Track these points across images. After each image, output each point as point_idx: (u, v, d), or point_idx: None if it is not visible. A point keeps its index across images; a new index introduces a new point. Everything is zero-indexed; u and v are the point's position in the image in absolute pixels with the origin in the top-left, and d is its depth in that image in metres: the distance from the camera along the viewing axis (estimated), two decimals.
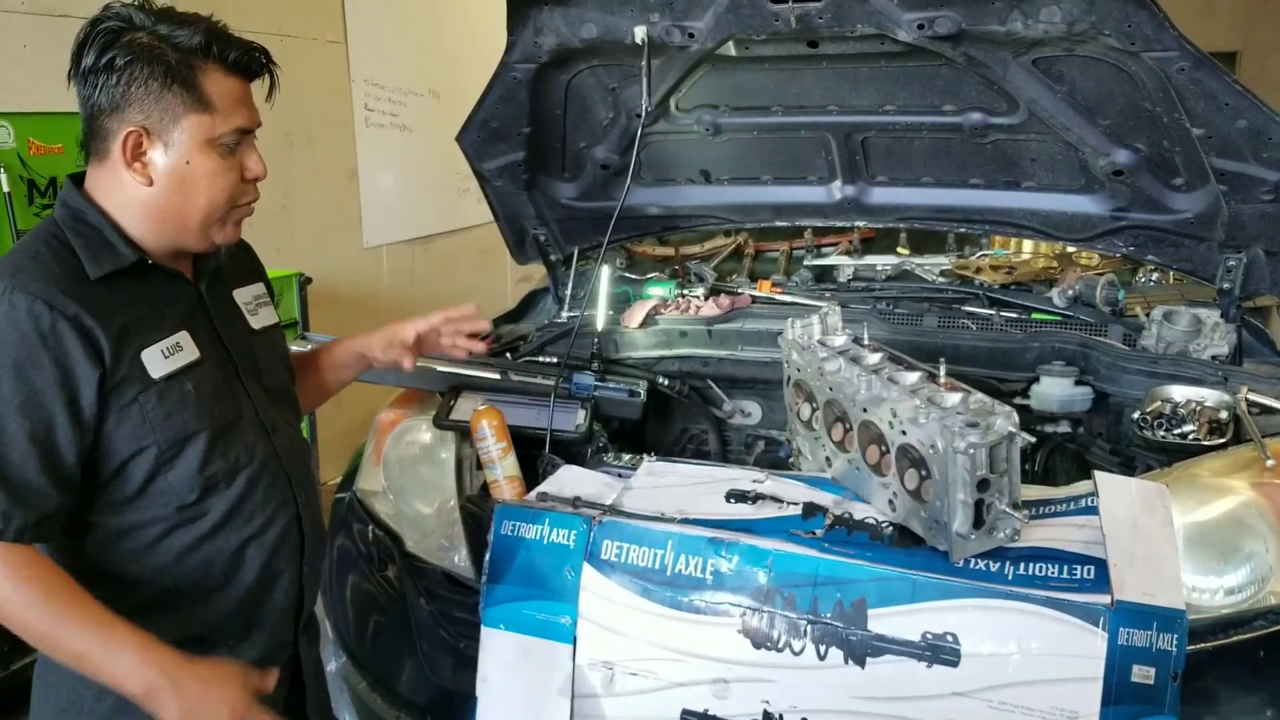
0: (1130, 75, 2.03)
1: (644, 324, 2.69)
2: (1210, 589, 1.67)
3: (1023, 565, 1.53)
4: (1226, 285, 2.28)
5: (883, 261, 3.08)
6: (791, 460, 2.13)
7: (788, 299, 2.79)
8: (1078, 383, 2.33)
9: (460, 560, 2.02)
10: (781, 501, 1.76)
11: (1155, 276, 2.93)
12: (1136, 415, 2.08)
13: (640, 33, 2.16)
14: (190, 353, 1.37)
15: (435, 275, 5.41)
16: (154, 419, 1.32)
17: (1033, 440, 2.15)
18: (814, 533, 1.67)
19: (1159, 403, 2.09)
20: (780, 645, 1.55)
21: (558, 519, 1.71)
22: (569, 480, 1.93)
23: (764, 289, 2.87)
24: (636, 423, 2.38)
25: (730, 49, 2.21)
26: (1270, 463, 1.76)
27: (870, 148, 2.50)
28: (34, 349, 1.23)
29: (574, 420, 2.20)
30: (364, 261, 4.85)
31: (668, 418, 2.67)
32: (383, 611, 2.09)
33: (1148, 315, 2.46)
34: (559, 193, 2.70)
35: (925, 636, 1.47)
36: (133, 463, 1.32)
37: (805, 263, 3.16)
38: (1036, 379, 2.36)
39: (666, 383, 2.48)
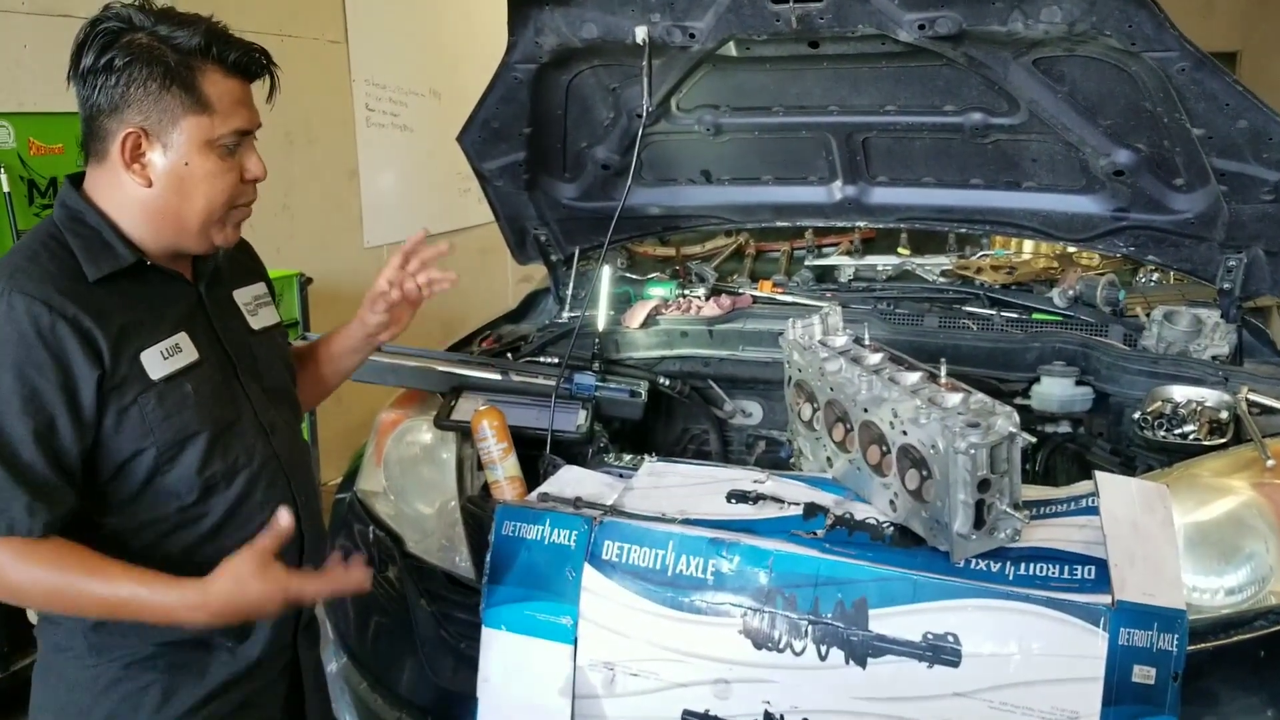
0: (1131, 75, 2.03)
1: (645, 324, 2.69)
2: (1211, 589, 1.67)
3: (1023, 565, 1.53)
4: (1227, 285, 2.28)
5: (883, 262, 3.07)
6: (792, 460, 2.13)
7: (789, 299, 2.79)
8: (1078, 383, 2.33)
9: (461, 561, 2.02)
10: (782, 502, 1.76)
11: (1156, 277, 2.93)
12: (1137, 415, 2.08)
13: (641, 33, 2.16)
14: (189, 354, 1.37)
15: None
16: (153, 420, 1.31)
17: (1033, 440, 2.16)
18: (815, 533, 1.67)
19: (1159, 403, 2.09)
20: (781, 646, 1.55)
21: (559, 519, 1.71)
22: (570, 481, 1.93)
23: (765, 289, 2.87)
24: (637, 423, 2.38)
25: (731, 49, 2.21)
26: (1271, 463, 1.76)
27: (871, 148, 2.50)
28: (34, 349, 1.23)
29: (575, 421, 2.20)
30: (364, 261, 4.83)
31: (669, 418, 2.67)
32: (383, 612, 2.09)
33: (1148, 315, 2.46)
34: (560, 193, 2.70)
35: (926, 637, 1.47)
36: (132, 464, 1.32)
37: (806, 263, 3.16)
38: (1037, 379, 2.36)
39: (667, 383, 2.48)
